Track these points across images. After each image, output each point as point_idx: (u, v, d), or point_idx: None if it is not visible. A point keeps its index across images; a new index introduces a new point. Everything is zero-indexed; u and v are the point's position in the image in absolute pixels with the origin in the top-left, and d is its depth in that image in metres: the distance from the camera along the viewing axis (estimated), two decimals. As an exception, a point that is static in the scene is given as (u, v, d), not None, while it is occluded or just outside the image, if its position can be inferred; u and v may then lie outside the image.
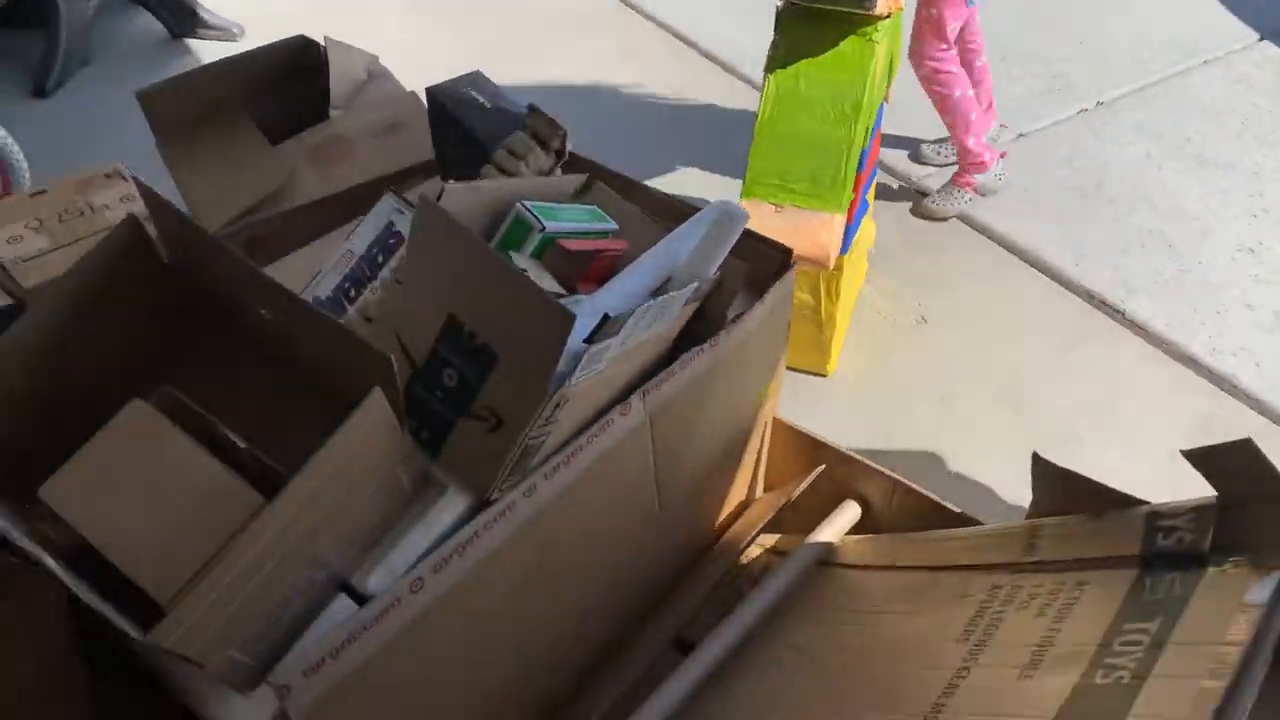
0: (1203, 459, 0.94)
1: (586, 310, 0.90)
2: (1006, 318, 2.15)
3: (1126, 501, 1.05)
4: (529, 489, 1.01)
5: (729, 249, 1.10)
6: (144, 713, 1.06)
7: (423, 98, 1.76)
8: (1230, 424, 1.90)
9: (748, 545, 1.32)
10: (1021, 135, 2.71)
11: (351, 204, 1.62)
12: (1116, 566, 1.02)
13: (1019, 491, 1.40)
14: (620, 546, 1.23)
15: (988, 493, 1.79)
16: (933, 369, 2.01)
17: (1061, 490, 1.12)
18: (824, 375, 1.95)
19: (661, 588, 1.36)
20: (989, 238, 2.36)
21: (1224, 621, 0.86)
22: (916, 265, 2.25)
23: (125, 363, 0.97)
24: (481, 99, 1.67)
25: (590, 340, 0.90)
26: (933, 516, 1.31)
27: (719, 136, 2.65)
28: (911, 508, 1.35)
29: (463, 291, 0.94)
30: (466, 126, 1.63)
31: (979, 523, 1.27)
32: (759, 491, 1.51)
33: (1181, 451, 0.95)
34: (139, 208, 1.16)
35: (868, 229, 1.91)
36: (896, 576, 1.26)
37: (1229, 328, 2.12)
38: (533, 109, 1.22)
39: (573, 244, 1.05)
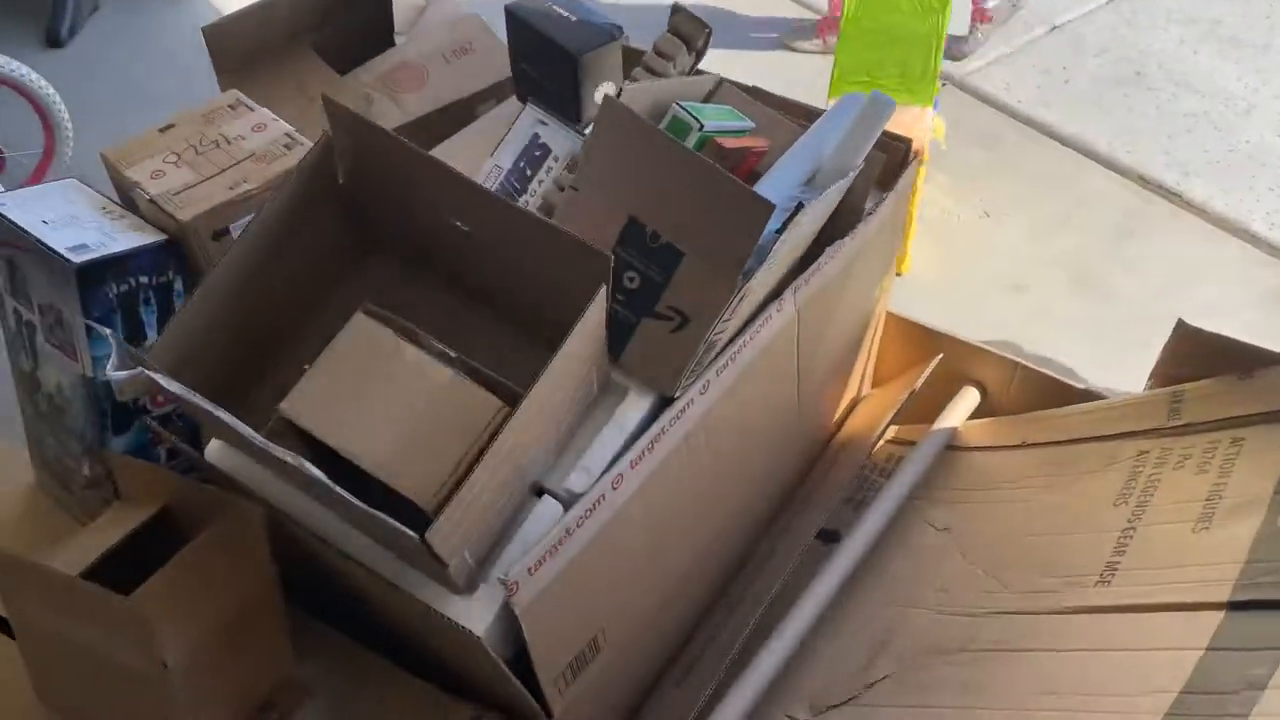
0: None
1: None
2: (1066, 207, 2.18)
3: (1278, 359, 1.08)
4: (704, 386, 1.03)
5: (876, 138, 1.11)
6: (330, 644, 1.09)
7: (484, 18, 1.73)
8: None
9: (879, 437, 1.35)
10: (1055, 28, 2.71)
11: (432, 129, 1.61)
12: (1276, 420, 1.06)
13: (1099, 374, 1.45)
14: (767, 442, 1.26)
15: (1069, 374, 1.82)
16: (1002, 261, 2.04)
17: (1205, 356, 1.16)
18: (900, 274, 1.98)
19: (795, 483, 1.40)
20: (1039, 130, 2.38)
21: None
22: (973, 160, 2.27)
23: (312, 288, 0.99)
24: (564, 12, 1.65)
25: (780, 231, 0.92)
26: (1056, 395, 1.34)
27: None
28: (1033, 389, 1.38)
29: (646, 191, 0.94)
30: (555, 40, 1.62)
31: (1103, 397, 1.31)
32: (867, 387, 1.55)
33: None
34: (271, 135, 1.16)
35: (937, 124, 1.92)
36: (1031, 454, 1.30)
37: (1286, 201, 2.15)
38: (676, 7, 1.21)
39: (728, 142, 1.06)
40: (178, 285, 1.10)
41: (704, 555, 1.20)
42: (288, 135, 1.15)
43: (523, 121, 1.12)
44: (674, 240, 0.94)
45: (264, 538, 0.97)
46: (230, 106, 1.20)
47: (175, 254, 1.09)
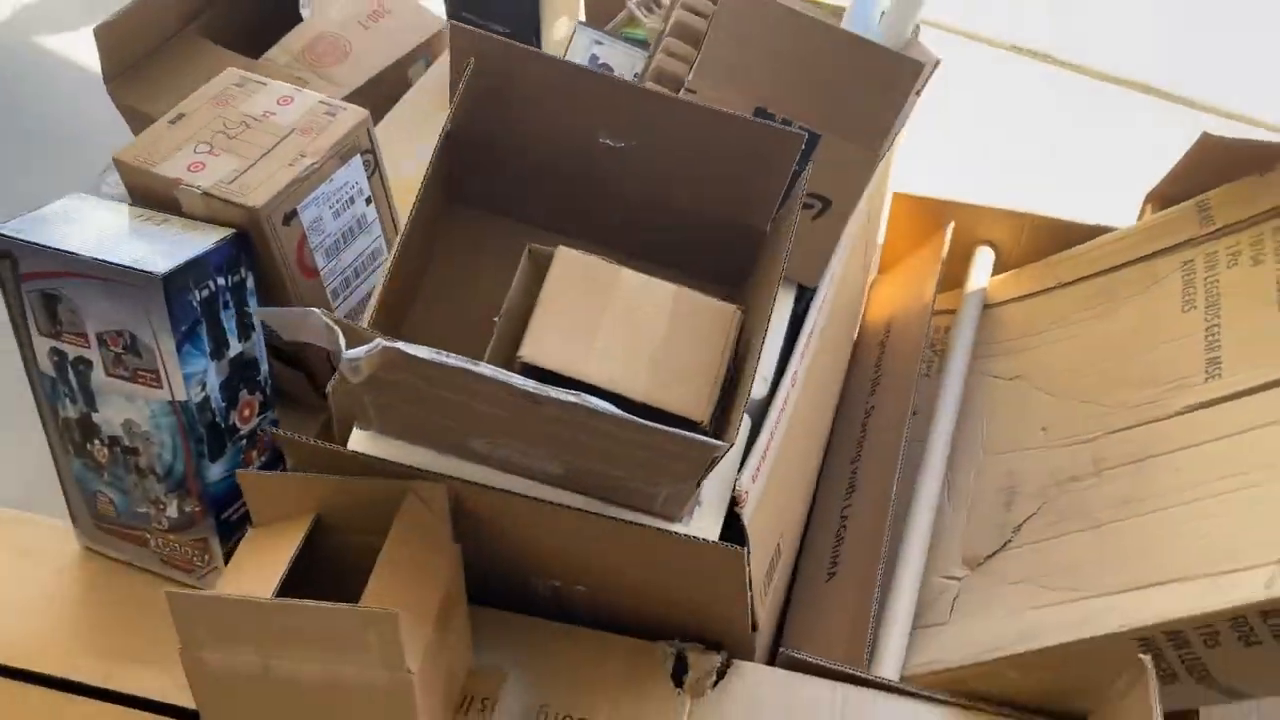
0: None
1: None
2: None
3: (1294, 151, 1.20)
4: (831, 275, 1.04)
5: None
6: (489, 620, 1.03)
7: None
8: None
9: (930, 311, 1.39)
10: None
11: (366, 99, 1.51)
12: (1309, 205, 1.17)
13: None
14: (848, 322, 1.28)
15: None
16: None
17: (1214, 163, 1.26)
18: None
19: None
20: None
21: None
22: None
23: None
24: None
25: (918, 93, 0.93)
26: (1069, 237, 1.43)
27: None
28: (1044, 237, 1.46)
29: (773, 75, 0.93)
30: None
31: (1116, 228, 1.40)
32: (875, 269, 1.59)
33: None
34: (304, 105, 1.06)
35: None
36: (1069, 292, 1.38)
37: None
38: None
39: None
40: (249, 283, 1.00)
41: (823, 447, 1.21)
42: (323, 103, 1.05)
43: (578, 43, 1.07)
44: (809, 124, 0.93)
45: (448, 519, 0.91)
46: (237, 85, 1.09)
47: (244, 248, 0.98)
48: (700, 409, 0.76)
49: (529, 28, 1.54)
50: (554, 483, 0.88)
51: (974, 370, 1.37)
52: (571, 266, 0.78)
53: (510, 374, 0.70)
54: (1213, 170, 1.26)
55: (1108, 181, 1.71)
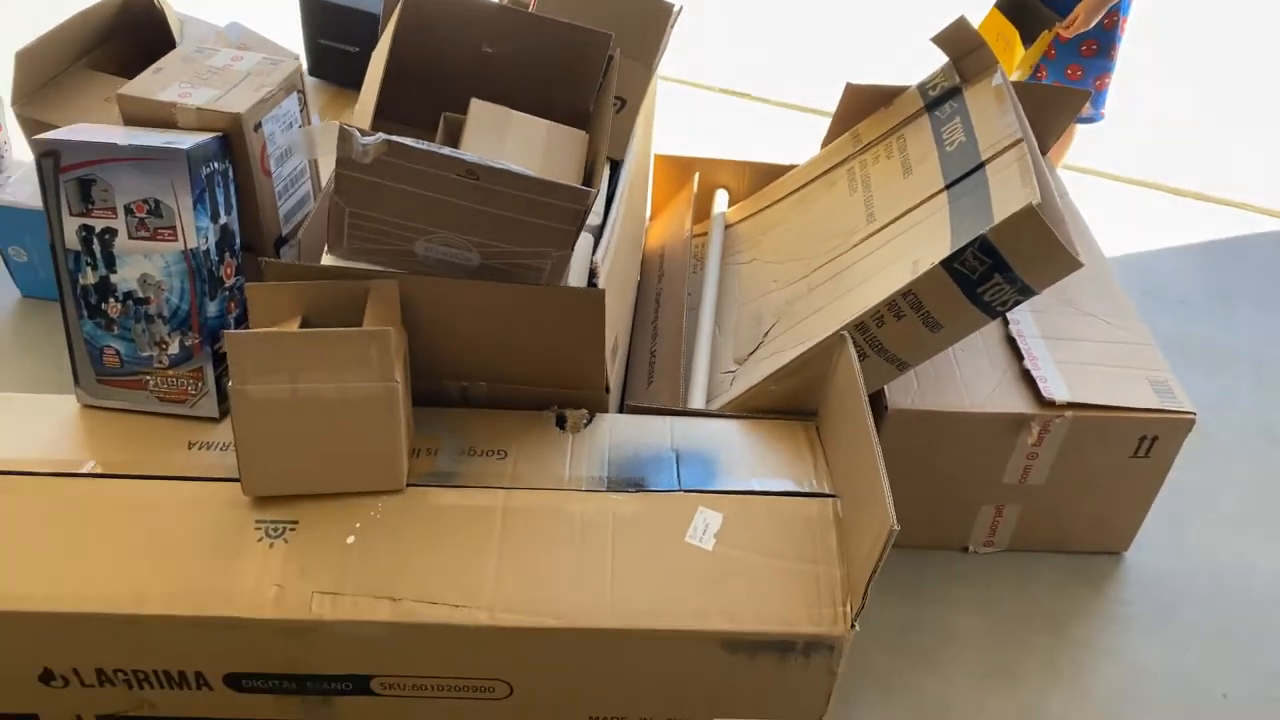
0: (942, 40, 1.79)
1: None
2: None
3: (901, 90, 1.88)
4: (629, 157, 1.58)
5: None
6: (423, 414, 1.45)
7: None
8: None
9: (690, 234, 1.96)
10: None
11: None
12: (913, 119, 1.84)
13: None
14: (636, 228, 1.82)
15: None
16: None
17: (859, 104, 1.93)
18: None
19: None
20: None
21: (996, 102, 1.70)
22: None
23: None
24: None
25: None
26: (774, 173, 2.06)
27: None
28: (760, 176, 2.08)
29: (583, 14, 1.47)
30: (350, 8, 2.04)
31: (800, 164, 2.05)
32: (649, 214, 2.16)
33: (931, 38, 1.78)
34: (253, 59, 1.49)
35: None
36: (779, 206, 1.99)
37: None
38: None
39: None
40: (230, 173, 1.40)
41: (630, 294, 1.73)
42: (266, 57, 1.49)
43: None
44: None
45: (398, 307, 1.33)
46: (196, 51, 1.50)
47: (226, 146, 1.39)
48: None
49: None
50: (472, 275, 1.34)
51: (724, 264, 1.95)
52: (482, 110, 1.26)
53: (460, 152, 1.17)
54: (860, 107, 1.92)
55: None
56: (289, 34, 2.22)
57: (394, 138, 1.16)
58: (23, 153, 2.05)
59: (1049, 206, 1.34)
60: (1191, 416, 1.53)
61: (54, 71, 1.94)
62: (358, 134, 1.16)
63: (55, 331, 1.94)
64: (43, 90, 1.94)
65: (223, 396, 1.42)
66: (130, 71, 2.05)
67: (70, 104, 1.93)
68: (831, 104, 1.95)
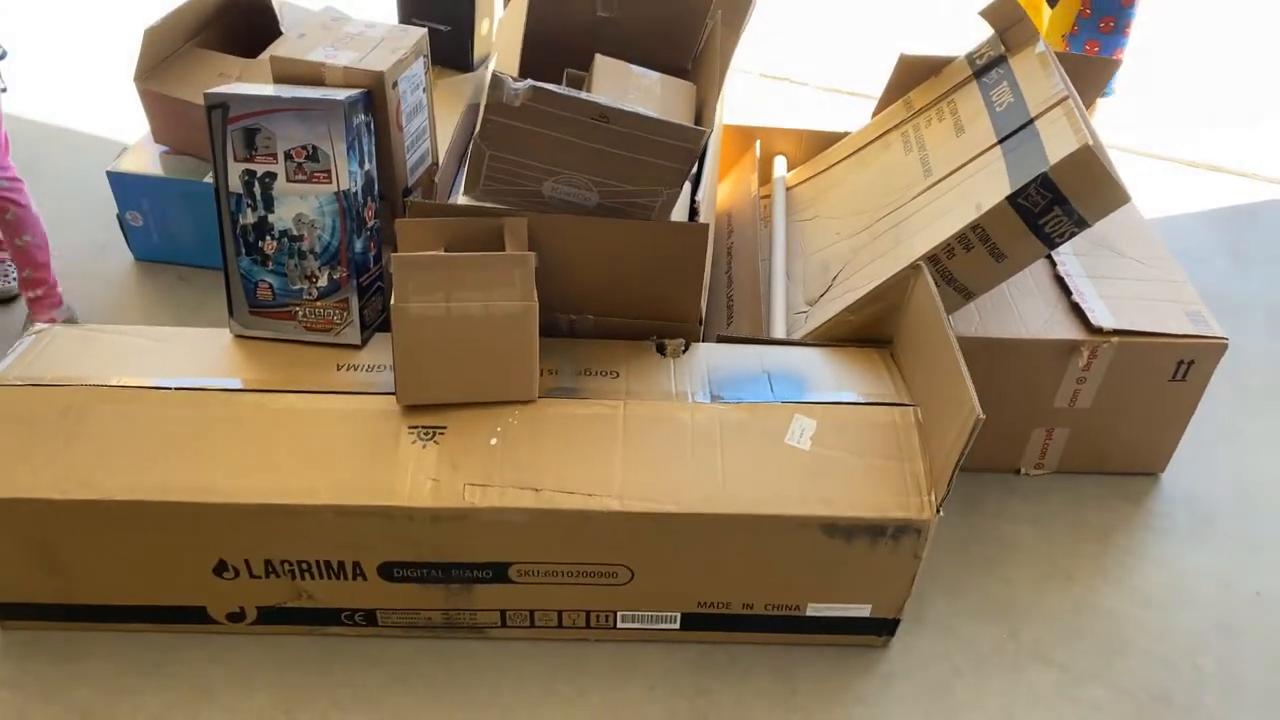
0: (988, 14, 1.97)
1: None
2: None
3: (949, 60, 2.06)
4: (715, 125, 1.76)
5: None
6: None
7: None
8: None
9: (756, 196, 2.13)
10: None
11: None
12: (963, 85, 2.02)
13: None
14: (714, 189, 2.00)
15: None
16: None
17: (910, 74, 2.10)
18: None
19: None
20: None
21: (1040, 67, 1.87)
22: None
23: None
24: None
25: None
26: (829, 140, 2.24)
27: None
28: (816, 142, 2.26)
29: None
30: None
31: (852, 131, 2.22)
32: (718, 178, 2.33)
33: (979, 12, 1.96)
34: (383, 28, 1.67)
35: None
36: (837, 169, 2.17)
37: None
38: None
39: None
40: (372, 126, 1.58)
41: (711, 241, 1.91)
42: (394, 25, 1.67)
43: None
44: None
45: (527, 241, 1.51)
46: (334, 19, 1.68)
47: (369, 102, 1.57)
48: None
49: (465, 29, 2.20)
50: (590, 214, 1.52)
51: (789, 222, 2.12)
52: (604, 64, 1.44)
53: (595, 97, 1.35)
54: (911, 77, 2.10)
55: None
56: (380, 14, 2.40)
57: (541, 84, 1.34)
58: (139, 125, 2.22)
59: (1099, 147, 1.52)
60: (1224, 341, 1.70)
61: (170, 50, 2.12)
62: (509, 80, 1.33)
63: (168, 291, 2.14)
64: (161, 65, 2.11)
65: (365, 326, 1.60)
66: (235, 50, 2.24)
67: (187, 78, 2.10)
68: (870, 88, 2.12)
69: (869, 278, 1.73)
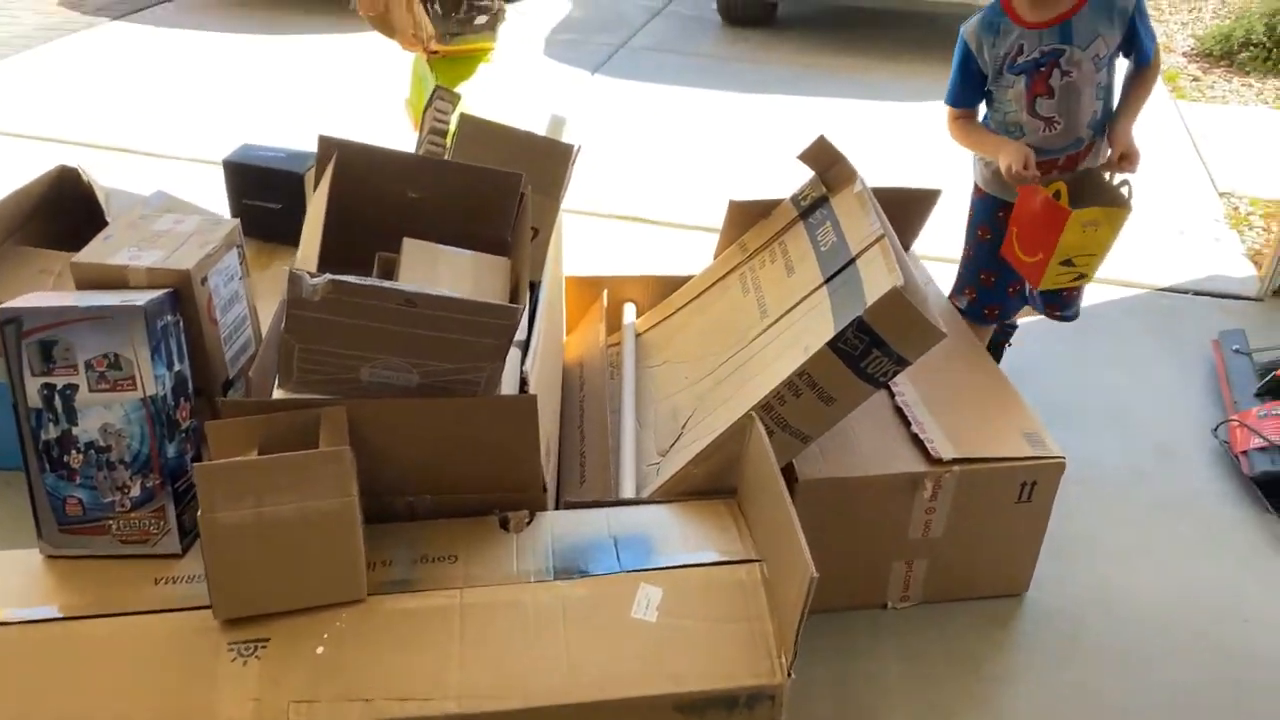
0: (806, 157, 2.03)
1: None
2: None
3: (777, 203, 2.11)
4: (546, 281, 1.76)
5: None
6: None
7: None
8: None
9: (605, 345, 2.13)
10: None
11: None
12: (790, 227, 2.07)
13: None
14: (555, 344, 1.99)
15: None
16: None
17: (744, 219, 2.15)
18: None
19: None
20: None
21: (859, 206, 1.93)
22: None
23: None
24: (267, 152, 2.24)
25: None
26: (674, 284, 2.26)
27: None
28: (662, 288, 2.28)
29: (495, 159, 1.66)
30: (272, 169, 2.21)
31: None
32: (565, 332, 2.33)
33: (798, 156, 2.02)
34: (194, 221, 1.64)
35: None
36: (681, 313, 2.19)
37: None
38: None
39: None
40: (180, 324, 1.53)
41: (556, 401, 1.88)
42: (203, 219, 1.64)
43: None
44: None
45: (346, 431, 1.46)
46: (141, 216, 1.64)
47: (176, 300, 1.52)
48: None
49: (298, 205, 2.19)
50: (412, 395, 1.48)
51: (639, 368, 2.12)
52: (414, 247, 1.43)
53: (399, 284, 1.33)
54: (743, 220, 2.15)
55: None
56: (208, 197, 2.38)
57: (339, 276, 1.31)
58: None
59: (911, 288, 1.56)
60: (1061, 460, 1.73)
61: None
62: (306, 276, 1.30)
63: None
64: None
65: (184, 532, 1.51)
66: (58, 244, 2.17)
67: (6, 279, 2.03)
68: (715, 221, 2.17)
69: (712, 426, 1.72)
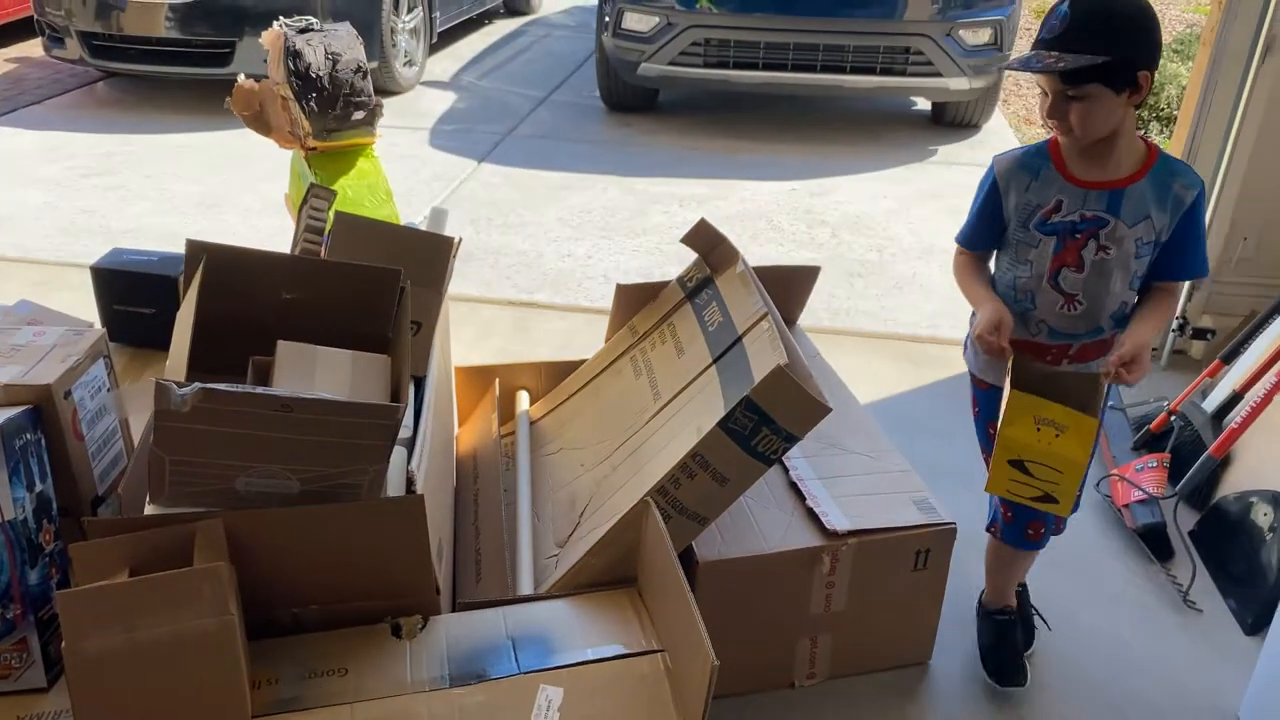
0: (690, 240, 2.06)
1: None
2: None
3: (664, 285, 2.13)
4: (432, 371, 1.73)
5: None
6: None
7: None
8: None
9: (498, 435, 2.10)
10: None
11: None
12: (678, 308, 2.09)
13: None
14: (446, 434, 1.95)
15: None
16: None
17: (630, 301, 2.17)
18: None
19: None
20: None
21: (742, 285, 1.96)
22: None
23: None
24: (138, 256, 2.17)
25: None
26: (568, 369, 2.25)
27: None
28: (554, 373, 2.27)
29: (370, 255, 1.64)
30: (144, 273, 2.14)
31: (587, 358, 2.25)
32: (457, 425, 2.28)
33: (681, 239, 2.06)
34: (54, 333, 1.56)
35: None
36: (575, 399, 2.17)
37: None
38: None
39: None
40: (43, 442, 1.45)
41: (448, 498, 1.83)
42: (68, 329, 1.57)
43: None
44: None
45: (224, 545, 1.39)
46: (-2, 331, 1.56)
47: (37, 417, 1.44)
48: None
49: (169, 309, 2.12)
50: (293, 503, 1.43)
51: (534, 457, 2.09)
52: (288, 350, 1.39)
53: (273, 389, 1.29)
54: (632, 303, 2.16)
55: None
56: (78, 303, 2.28)
57: (209, 385, 1.26)
58: None
59: (796, 365, 1.58)
60: (952, 526, 1.76)
61: None
62: (174, 386, 1.25)
63: None
64: None
65: (50, 664, 1.42)
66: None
67: None
68: (605, 303, 2.18)
69: (609, 514, 1.70)
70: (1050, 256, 1.67)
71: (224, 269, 1.48)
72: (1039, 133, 5.84)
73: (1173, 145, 3.07)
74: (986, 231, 1.75)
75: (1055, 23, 1.55)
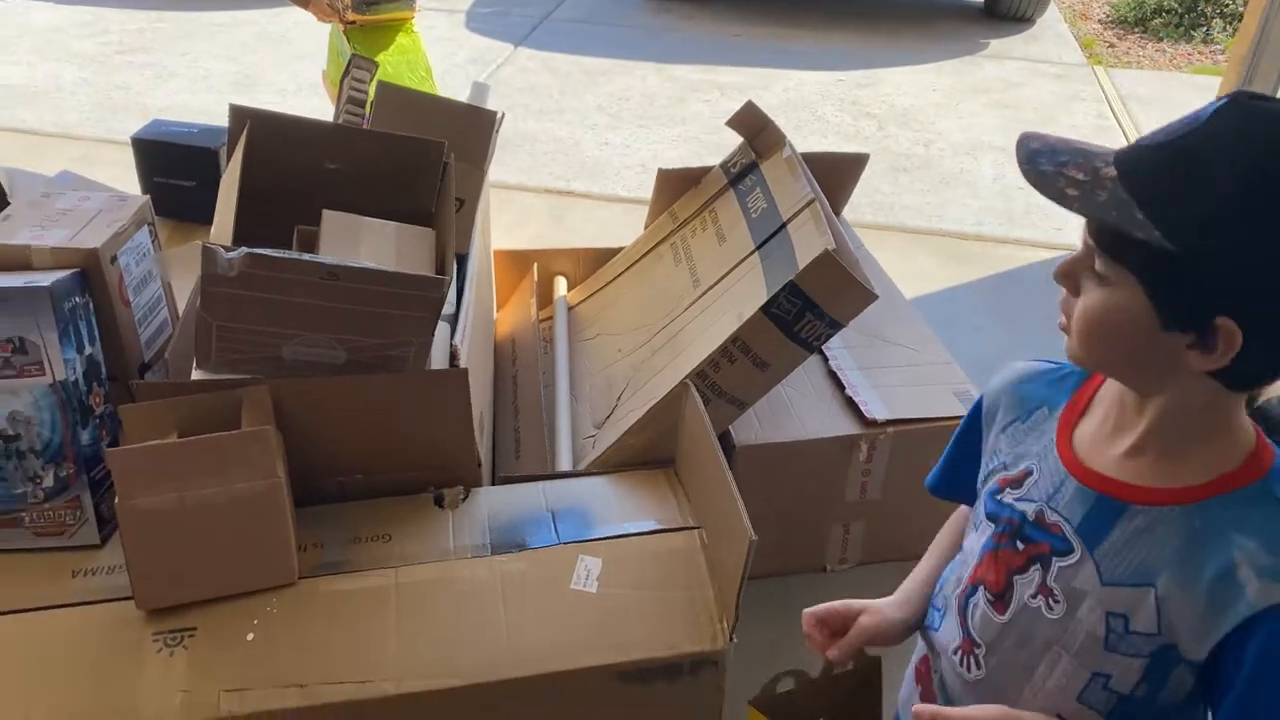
0: (735, 123, 2.02)
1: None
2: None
3: (706, 170, 2.10)
4: (474, 251, 1.72)
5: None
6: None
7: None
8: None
9: (537, 320, 2.10)
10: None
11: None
12: (721, 194, 2.06)
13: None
14: (487, 316, 1.95)
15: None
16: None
17: (674, 187, 2.13)
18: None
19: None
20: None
21: (789, 171, 1.93)
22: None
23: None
24: (178, 128, 2.16)
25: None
26: (605, 256, 2.24)
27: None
28: (592, 259, 2.26)
29: (416, 127, 1.61)
30: (184, 145, 2.13)
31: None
32: (495, 307, 2.29)
33: (726, 122, 2.01)
34: (101, 198, 1.56)
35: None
36: (615, 284, 2.16)
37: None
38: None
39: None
40: (90, 305, 1.46)
41: (488, 375, 1.85)
42: (112, 194, 1.57)
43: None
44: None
45: (271, 411, 1.41)
46: (44, 195, 1.56)
47: (85, 280, 1.45)
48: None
49: (211, 181, 2.11)
50: (339, 372, 1.44)
51: (572, 342, 2.10)
52: (334, 219, 1.38)
53: (320, 257, 1.28)
54: (673, 190, 2.13)
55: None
56: (118, 178, 2.28)
57: (256, 250, 1.26)
58: None
59: (843, 251, 1.55)
60: (992, 417, 1.75)
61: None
62: (221, 250, 1.25)
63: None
64: None
65: (103, 522, 1.45)
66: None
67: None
68: (645, 192, 2.15)
69: (647, 397, 1.71)
70: (975, 558, 1.03)
71: (267, 136, 1.46)
72: (1095, 28, 5.62)
73: (1233, 48, 2.82)
74: (953, 470, 1.18)
75: (1173, 126, 0.81)
